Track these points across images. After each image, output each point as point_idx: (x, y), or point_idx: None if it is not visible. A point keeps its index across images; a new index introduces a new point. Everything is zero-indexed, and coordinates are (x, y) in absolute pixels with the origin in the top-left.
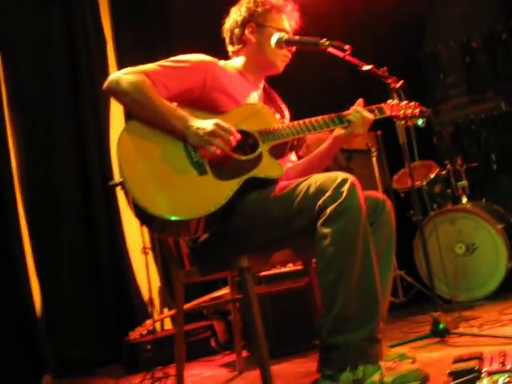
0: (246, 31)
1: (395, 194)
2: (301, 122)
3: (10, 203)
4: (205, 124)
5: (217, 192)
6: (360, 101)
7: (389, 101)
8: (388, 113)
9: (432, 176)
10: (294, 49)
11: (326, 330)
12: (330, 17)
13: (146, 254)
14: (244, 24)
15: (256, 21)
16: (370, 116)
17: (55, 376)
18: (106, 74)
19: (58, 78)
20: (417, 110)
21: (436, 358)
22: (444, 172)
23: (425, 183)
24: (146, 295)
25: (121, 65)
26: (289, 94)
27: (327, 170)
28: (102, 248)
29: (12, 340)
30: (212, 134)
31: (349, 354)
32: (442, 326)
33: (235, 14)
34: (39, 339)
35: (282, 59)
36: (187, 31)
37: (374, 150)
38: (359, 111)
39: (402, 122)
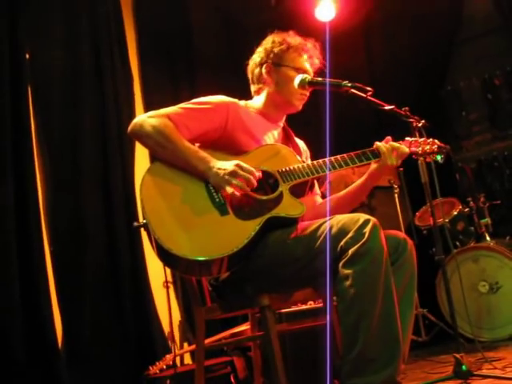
0: (263, 71)
1: (417, 231)
2: (320, 161)
3: (35, 237)
4: (225, 165)
5: (239, 232)
6: (388, 138)
7: (407, 138)
8: (407, 150)
9: (455, 213)
10: (310, 88)
11: (346, 372)
12: (353, 55)
13: (167, 288)
14: (262, 64)
15: (272, 61)
16: (400, 146)
17: None
18: (132, 108)
19: (85, 113)
20: (435, 146)
21: None
22: (467, 209)
23: (447, 220)
24: (166, 329)
25: (146, 101)
26: (306, 131)
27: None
28: (124, 281)
29: (33, 372)
30: (232, 174)
31: None
32: (464, 367)
33: (256, 55)
34: (60, 371)
35: (299, 98)
36: (210, 71)
37: (396, 186)
38: (389, 143)
39: (422, 159)
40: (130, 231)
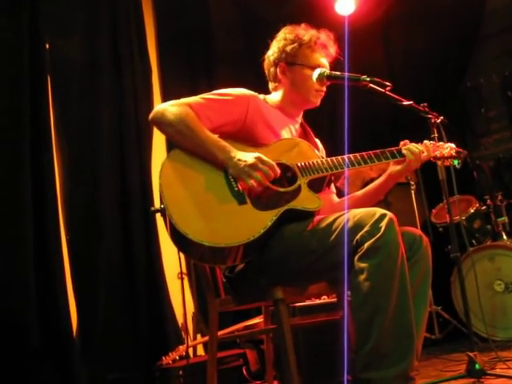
0: (278, 71)
1: (433, 227)
2: (339, 157)
3: (53, 226)
4: (246, 156)
5: (256, 222)
6: (406, 141)
7: (425, 141)
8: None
9: (471, 211)
10: (328, 83)
11: (359, 366)
12: (371, 50)
13: (181, 279)
14: (276, 64)
15: (286, 60)
16: (424, 150)
17: None
18: (150, 101)
19: (103, 105)
20: (453, 151)
21: None
22: (484, 207)
23: (464, 218)
24: (180, 320)
25: (164, 93)
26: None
27: None
28: (139, 272)
29: (48, 361)
30: (252, 166)
31: None
32: (478, 366)
33: (270, 52)
34: (74, 360)
35: (315, 95)
36: (228, 65)
37: (412, 183)
38: (413, 145)
39: (439, 162)
40: (146, 222)
